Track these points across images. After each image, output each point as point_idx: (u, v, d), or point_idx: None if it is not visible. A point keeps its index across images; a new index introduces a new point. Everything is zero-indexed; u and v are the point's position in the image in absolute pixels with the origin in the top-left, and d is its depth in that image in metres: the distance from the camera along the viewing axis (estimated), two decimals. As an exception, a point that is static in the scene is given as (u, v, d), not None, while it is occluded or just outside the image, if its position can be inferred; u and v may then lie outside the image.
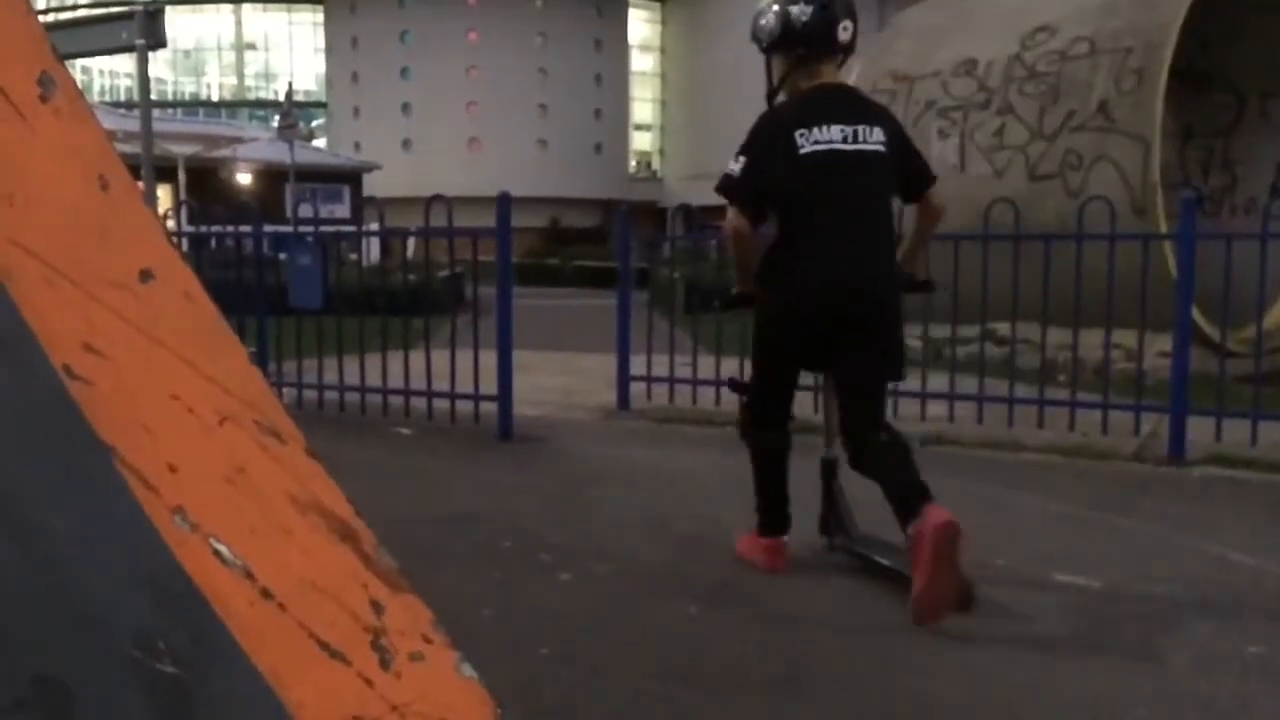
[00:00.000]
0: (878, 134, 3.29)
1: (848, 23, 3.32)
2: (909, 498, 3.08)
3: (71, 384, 0.91)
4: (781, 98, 3.45)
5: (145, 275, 0.99)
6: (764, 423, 3.57)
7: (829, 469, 3.63)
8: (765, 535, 3.54)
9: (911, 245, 3.58)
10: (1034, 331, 6.20)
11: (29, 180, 0.97)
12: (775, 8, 3.36)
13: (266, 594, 0.91)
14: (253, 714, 0.87)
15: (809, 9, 3.30)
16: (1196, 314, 6.30)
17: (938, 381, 6.13)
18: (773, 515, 3.54)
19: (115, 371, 0.94)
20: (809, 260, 3.28)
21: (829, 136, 3.24)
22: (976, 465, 5.28)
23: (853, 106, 3.35)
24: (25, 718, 0.81)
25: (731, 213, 3.34)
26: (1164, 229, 7.89)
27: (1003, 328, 6.70)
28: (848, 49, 3.37)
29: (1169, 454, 5.31)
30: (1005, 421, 5.83)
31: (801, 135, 3.24)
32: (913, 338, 7.73)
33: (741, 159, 3.33)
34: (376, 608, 0.94)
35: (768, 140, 3.31)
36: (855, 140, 3.26)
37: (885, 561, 3.37)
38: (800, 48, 3.34)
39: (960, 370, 6.09)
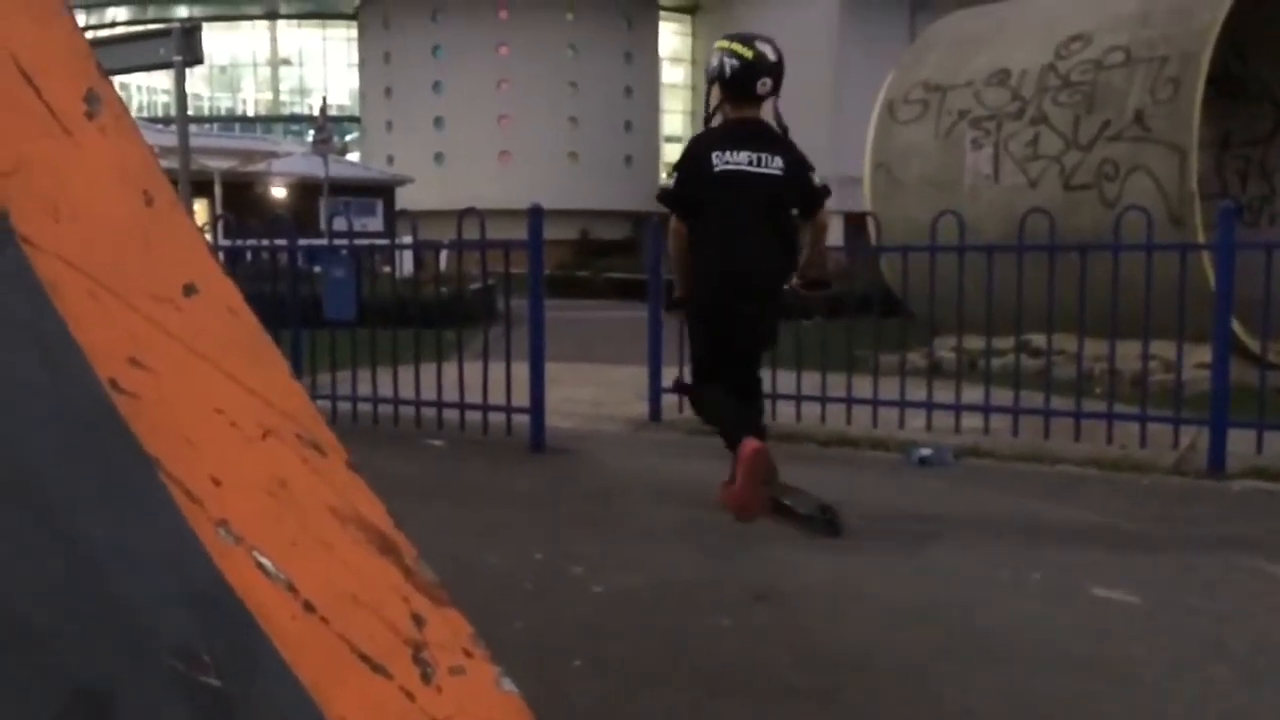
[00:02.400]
0: (778, 162, 4.23)
1: (766, 80, 4.24)
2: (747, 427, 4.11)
3: (117, 397, 0.92)
4: (718, 120, 4.36)
5: (188, 289, 1.00)
6: (706, 384, 4.38)
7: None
8: (733, 448, 4.04)
9: (809, 252, 4.44)
10: (1070, 343, 6.14)
11: (75, 196, 0.99)
12: (717, 57, 4.30)
13: (309, 607, 0.91)
14: (294, 726, 0.87)
15: (738, 64, 4.24)
16: (1236, 325, 6.22)
17: (972, 393, 6.08)
18: (737, 433, 4.05)
19: (159, 384, 0.95)
20: (716, 254, 4.21)
21: (738, 160, 4.19)
22: (1012, 478, 5.23)
23: (761, 139, 4.27)
24: (69, 728, 0.82)
25: (672, 218, 4.32)
26: (1202, 239, 7.80)
27: (1038, 339, 6.64)
28: (767, 96, 4.28)
29: (1209, 467, 5.24)
30: (1041, 434, 5.77)
31: (716, 156, 4.21)
32: (947, 349, 7.70)
33: (675, 174, 4.33)
34: (417, 621, 0.94)
35: (692, 159, 4.28)
36: (759, 165, 4.20)
37: (787, 502, 4.15)
38: (728, 90, 4.29)
39: (995, 382, 6.03)
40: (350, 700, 0.89)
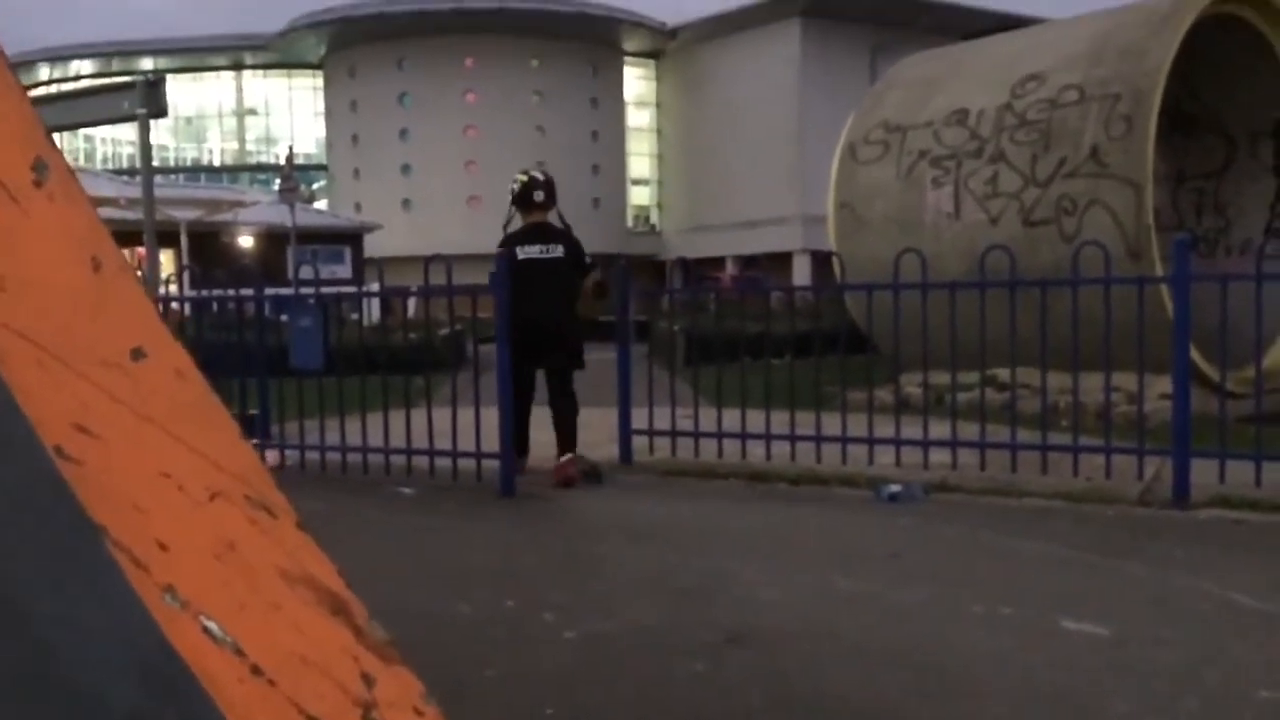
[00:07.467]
0: (559, 249, 6.43)
1: (539, 192, 6.54)
2: (564, 441, 6.31)
3: (62, 464, 0.92)
4: (516, 224, 6.57)
5: (136, 353, 1.00)
6: (519, 392, 6.19)
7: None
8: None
9: (583, 302, 6.60)
10: (1034, 377, 6.20)
11: (22, 264, 0.99)
12: (510, 185, 6.62)
13: (256, 670, 0.91)
14: (243, 792, 0.87)
15: (518, 186, 6.58)
16: (1196, 355, 6.31)
17: (939, 429, 6.12)
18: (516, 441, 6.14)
19: (106, 450, 0.95)
20: (521, 311, 6.00)
21: (532, 251, 6.35)
22: (981, 512, 5.26)
23: (546, 236, 6.47)
24: (16, 801, 0.81)
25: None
26: (1159, 272, 7.92)
27: (1002, 373, 6.71)
28: (545, 203, 6.56)
29: (1173, 497, 5.29)
30: (1008, 467, 5.81)
31: (520, 249, 6.32)
32: (913, 385, 7.76)
33: (497, 264, 6.04)
34: (367, 680, 0.94)
35: (506, 253, 6.19)
36: (546, 253, 6.38)
37: (584, 469, 6.26)
38: (517, 203, 6.59)
39: (961, 417, 6.08)
40: (299, 764, 0.89)
